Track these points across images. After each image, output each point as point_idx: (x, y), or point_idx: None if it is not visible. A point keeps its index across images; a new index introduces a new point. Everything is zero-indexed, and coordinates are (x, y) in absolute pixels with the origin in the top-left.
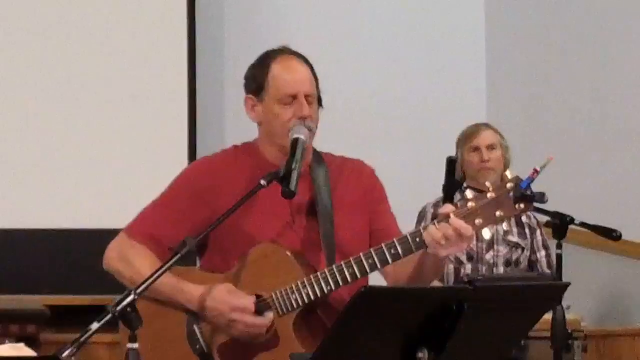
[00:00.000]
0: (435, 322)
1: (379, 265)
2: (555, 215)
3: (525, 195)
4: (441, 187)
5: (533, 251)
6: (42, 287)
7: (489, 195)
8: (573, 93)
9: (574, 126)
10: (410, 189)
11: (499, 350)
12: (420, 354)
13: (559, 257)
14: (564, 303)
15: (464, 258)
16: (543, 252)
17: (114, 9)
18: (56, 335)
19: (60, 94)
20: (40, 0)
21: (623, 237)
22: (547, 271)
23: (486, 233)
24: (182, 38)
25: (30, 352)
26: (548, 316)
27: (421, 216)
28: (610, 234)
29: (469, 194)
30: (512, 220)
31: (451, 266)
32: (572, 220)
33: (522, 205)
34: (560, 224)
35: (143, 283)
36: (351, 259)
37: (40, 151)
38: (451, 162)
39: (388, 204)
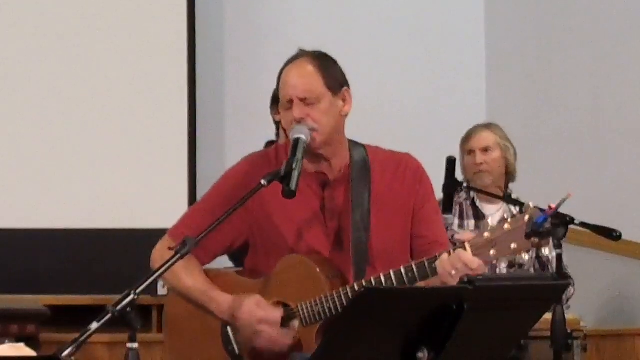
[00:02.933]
0: (435, 322)
1: (398, 285)
2: (555, 215)
3: (538, 232)
4: (441, 187)
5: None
6: (42, 287)
7: (505, 226)
8: (573, 93)
9: (574, 126)
10: None
11: (499, 350)
12: (420, 354)
13: (559, 257)
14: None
15: None
16: (554, 252)
17: (113, 9)
18: (56, 335)
19: (59, 93)
20: (39, 0)
21: (623, 237)
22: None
23: (525, 256)
24: (182, 38)
25: (30, 352)
26: (548, 316)
27: None
28: (610, 234)
29: (487, 223)
30: None
31: None
32: (572, 220)
33: (535, 240)
34: (560, 224)
35: (142, 283)
36: (372, 278)
37: (40, 151)
38: (451, 162)
39: (433, 203)
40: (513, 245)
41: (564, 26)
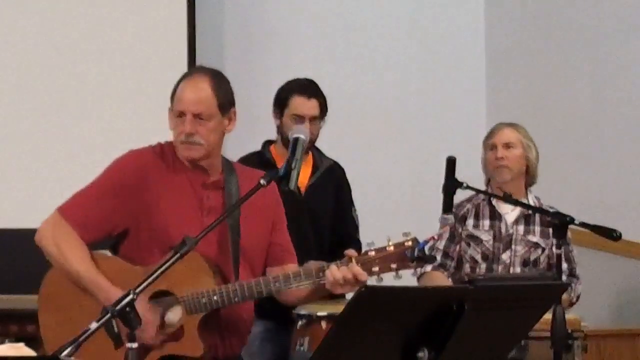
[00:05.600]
0: (435, 322)
1: (283, 288)
2: (555, 215)
3: (418, 257)
4: (441, 187)
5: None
6: None
7: (388, 248)
8: (573, 93)
9: (574, 126)
10: (410, 189)
11: (499, 350)
12: (420, 354)
13: (559, 257)
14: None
15: (478, 257)
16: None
17: (113, 10)
18: None
19: (60, 93)
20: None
21: (623, 237)
22: (565, 265)
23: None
24: (182, 38)
25: (30, 352)
26: (548, 316)
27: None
28: (610, 234)
29: (372, 245)
30: (536, 219)
31: (467, 265)
32: (572, 220)
33: (414, 263)
34: (560, 224)
35: (142, 283)
36: (261, 279)
37: (41, 151)
38: (451, 162)
39: (285, 222)
40: (393, 265)
41: (564, 26)
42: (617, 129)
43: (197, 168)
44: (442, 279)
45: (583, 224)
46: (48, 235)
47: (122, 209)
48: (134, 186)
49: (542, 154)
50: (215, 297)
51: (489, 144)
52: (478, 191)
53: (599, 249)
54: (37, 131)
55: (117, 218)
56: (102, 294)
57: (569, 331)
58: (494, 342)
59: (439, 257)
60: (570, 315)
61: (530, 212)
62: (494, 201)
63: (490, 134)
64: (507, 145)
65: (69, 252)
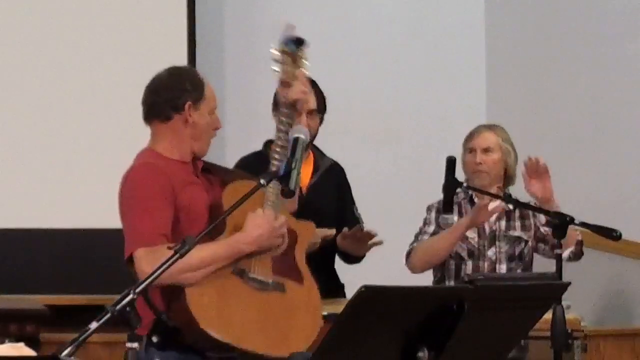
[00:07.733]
0: (435, 322)
1: None
2: (555, 215)
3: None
4: (441, 187)
5: (537, 228)
6: (42, 287)
7: None
8: (573, 93)
9: (574, 126)
10: (410, 189)
11: (499, 350)
12: (420, 354)
13: (559, 257)
14: (564, 303)
15: (464, 254)
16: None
17: (113, 9)
18: (56, 335)
19: (59, 93)
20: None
21: (623, 237)
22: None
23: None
24: (182, 38)
25: (30, 352)
26: (548, 316)
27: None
28: (610, 234)
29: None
30: (516, 214)
31: (452, 262)
32: (572, 220)
33: None
34: (560, 224)
35: (142, 283)
36: None
37: (40, 151)
38: (451, 162)
39: None
40: None
41: (564, 26)
42: (617, 129)
43: (186, 163)
44: (433, 240)
45: (583, 224)
46: (154, 263)
47: (170, 214)
48: (172, 189)
49: (541, 154)
50: None
51: (468, 147)
52: (479, 191)
53: (599, 249)
54: (36, 131)
55: (171, 213)
56: (239, 244)
57: (569, 331)
58: (494, 342)
59: (427, 238)
60: (570, 315)
61: (510, 208)
62: (475, 199)
63: (470, 137)
64: (486, 150)
65: (189, 256)
